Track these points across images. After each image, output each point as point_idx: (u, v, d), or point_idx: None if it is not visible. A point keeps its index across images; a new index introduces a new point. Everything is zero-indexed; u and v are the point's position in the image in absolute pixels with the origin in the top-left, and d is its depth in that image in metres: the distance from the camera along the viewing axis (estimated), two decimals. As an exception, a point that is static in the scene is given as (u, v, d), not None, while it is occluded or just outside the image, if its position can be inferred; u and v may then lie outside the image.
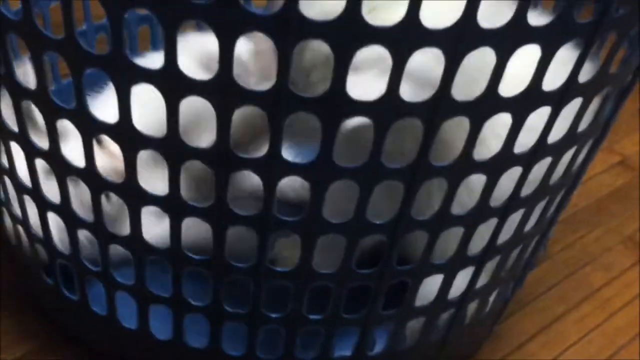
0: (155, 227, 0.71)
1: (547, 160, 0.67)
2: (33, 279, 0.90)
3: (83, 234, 0.73)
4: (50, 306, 0.92)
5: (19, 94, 0.64)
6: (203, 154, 0.59)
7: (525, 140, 0.63)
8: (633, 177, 1.39)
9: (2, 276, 0.99)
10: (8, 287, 0.98)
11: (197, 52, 0.94)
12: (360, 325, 0.75)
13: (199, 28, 1.10)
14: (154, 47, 1.23)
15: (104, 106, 0.68)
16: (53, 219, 0.74)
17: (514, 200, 0.69)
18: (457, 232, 0.69)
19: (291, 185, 0.90)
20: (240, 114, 0.55)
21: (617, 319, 1.07)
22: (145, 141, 0.60)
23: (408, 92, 0.53)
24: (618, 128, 1.42)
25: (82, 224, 0.72)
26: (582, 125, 0.67)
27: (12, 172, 0.74)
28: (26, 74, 0.66)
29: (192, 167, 0.60)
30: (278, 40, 0.50)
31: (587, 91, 0.63)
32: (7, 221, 0.87)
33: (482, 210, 0.67)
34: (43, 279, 0.85)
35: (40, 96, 0.62)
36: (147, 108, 0.64)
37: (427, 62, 0.52)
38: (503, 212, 0.69)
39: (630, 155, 1.44)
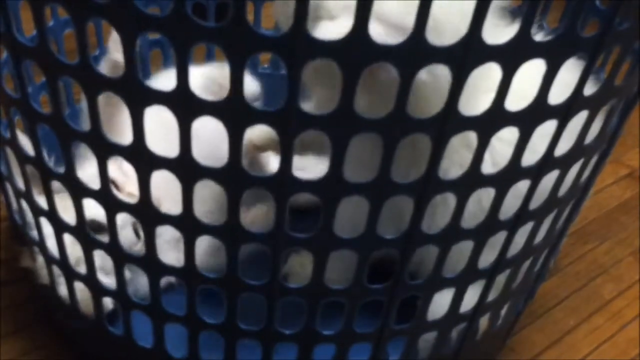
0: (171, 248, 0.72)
1: (555, 173, 0.68)
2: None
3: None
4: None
5: (34, 118, 0.65)
6: (215, 173, 0.60)
7: (532, 154, 0.64)
8: (642, 189, 1.40)
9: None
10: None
11: (201, 79, 0.97)
12: (373, 340, 0.76)
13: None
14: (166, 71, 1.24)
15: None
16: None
17: (523, 213, 0.69)
18: (467, 245, 0.69)
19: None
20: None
21: (629, 330, 1.07)
22: (159, 162, 0.61)
23: (382, 34, 0.54)
24: (626, 140, 1.43)
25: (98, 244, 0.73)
26: (589, 138, 0.67)
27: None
28: None
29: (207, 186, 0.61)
30: (287, 60, 0.51)
31: (592, 104, 0.63)
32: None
33: (491, 224, 0.68)
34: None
35: (55, 120, 0.63)
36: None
37: (398, 7, 0.53)
38: (512, 225, 0.70)
39: (639, 167, 1.45)
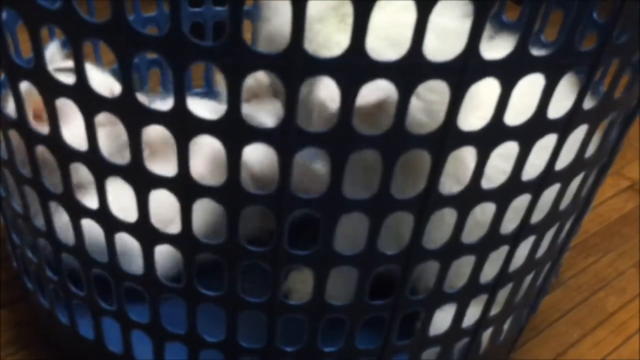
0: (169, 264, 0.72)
1: (556, 186, 0.68)
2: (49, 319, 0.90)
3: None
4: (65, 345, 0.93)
5: (32, 139, 0.65)
6: (214, 191, 0.60)
7: (533, 168, 0.63)
8: (643, 201, 1.39)
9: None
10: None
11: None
12: (375, 356, 0.75)
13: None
14: (165, 90, 1.24)
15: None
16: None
17: (525, 227, 0.69)
18: (468, 260, 0.69)
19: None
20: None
21: (633, 342, 1.06)
22: (157, 181, 0.61)
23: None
24: (626, 153, 1.43)
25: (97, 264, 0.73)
26: (589, 151, 0.67)
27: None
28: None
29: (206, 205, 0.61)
30: (284, 78, 0.51)
31: (592, 118, 0.63)
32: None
33: (492, 238, 0.68)
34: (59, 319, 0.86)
35: (54, 141, 0.63)
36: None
37: None
38: (514, 240, 0.70)
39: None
